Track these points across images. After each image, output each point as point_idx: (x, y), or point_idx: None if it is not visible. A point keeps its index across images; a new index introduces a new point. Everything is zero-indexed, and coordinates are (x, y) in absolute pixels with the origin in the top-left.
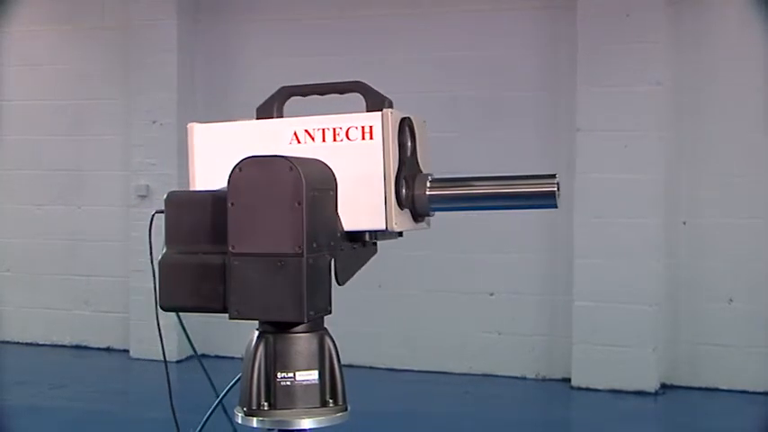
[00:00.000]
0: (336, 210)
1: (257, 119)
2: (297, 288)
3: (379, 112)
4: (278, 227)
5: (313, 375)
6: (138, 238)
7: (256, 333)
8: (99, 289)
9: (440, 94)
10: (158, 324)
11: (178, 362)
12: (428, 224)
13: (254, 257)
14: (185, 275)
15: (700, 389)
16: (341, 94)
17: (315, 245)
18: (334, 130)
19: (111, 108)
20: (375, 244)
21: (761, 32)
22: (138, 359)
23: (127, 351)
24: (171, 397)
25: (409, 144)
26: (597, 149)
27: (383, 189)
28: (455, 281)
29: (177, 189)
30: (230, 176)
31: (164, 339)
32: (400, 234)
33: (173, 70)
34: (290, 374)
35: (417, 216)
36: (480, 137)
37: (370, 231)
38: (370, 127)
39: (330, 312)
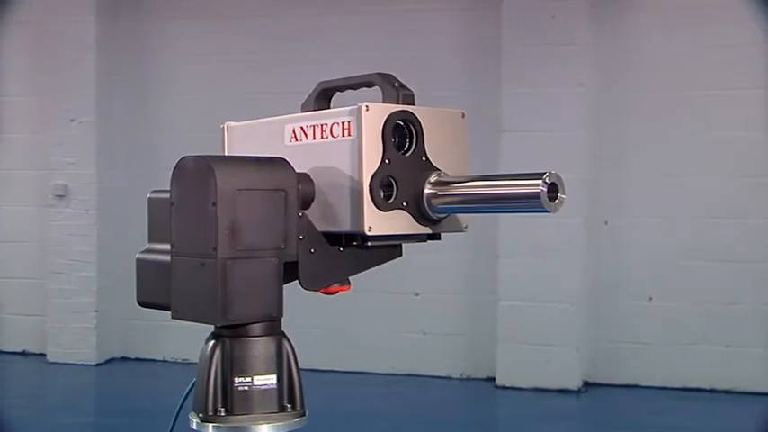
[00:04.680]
0: (295, 210)
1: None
2: (212, 290)
3: (357, 107)
4: (201, 227)
5: (271, 380)
6: (56, 238)
7: (211, 337)
8: (14, 291)
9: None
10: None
11: (97, 365)
12: (445, 227)
13: (185, 258)
14: (155, 273)
15: (621, 386)
16: (369, 87)
17: (240, 246)
18: (322, 126)
19: (26, 105)
20: (398, 247)
21: (683, 34)
22: (55, 363)
23: (43, 355)
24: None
25: (414, 140)
26: (522, 150)
27: (357, 188)
28: (380, 281)
29: (97, 188)
30: (171, 176)
31: (81, 342)
32: (432, 237)
33: (92, 67)
34: (248, 379)
35: (422, 218)
36: None
37: (343, 233)
38: (348, 122)
39: (276, 318)
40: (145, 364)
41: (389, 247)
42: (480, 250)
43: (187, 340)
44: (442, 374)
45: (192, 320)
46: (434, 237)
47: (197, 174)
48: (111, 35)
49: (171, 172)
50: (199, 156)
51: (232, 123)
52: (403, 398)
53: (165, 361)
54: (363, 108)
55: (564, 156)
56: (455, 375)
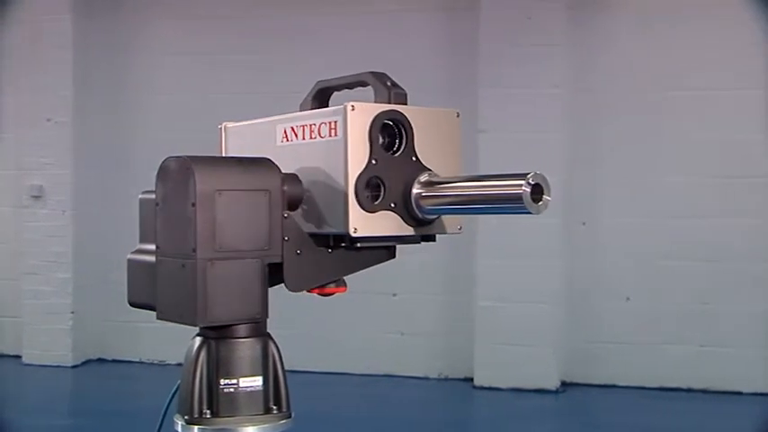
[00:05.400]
0: (279, 211)
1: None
2: (192, 291)
3: (343, 107)
4: (182, 228)
5: (257, 381)
6: (32, 239)
7: (197, 338)
8: None
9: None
10: None
11: (74, 366)
12: (437, 229)
13: (168, 258)
14: (143, 273)
15: (598, 386)
16: (363, 86)
17: (221, 247)
18: (311, 126)
19: (1, 105)
20: (390, 249)
21: (659, 35)
22: (31, 365)
23: (19, 357)
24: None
25: (404, 140)
26: (499, 151)
27: (343, 189)
28: (357, 281)
29: (73, 188)
30: (156, 176)
31: (57, 344)
32: (426, 238)
33: (68, 67)
34: (234, 381)
35: (411, 220)
36: None
37: (331, 235)
38: (335, 122)
39: (260, 320)
40: (121, 365)
41: (381, 249)
42: (458, 251)
43: (164, 342)
44: (420, 375)
45: (175, 321)
46: (429, 238)
47: (178, 174)
48: (88, 34)
49: (147, 172)
50: (180, 156)
51: (229, 124)
52: (380, 398)
53: (142, 362)
54: (349, 108)
55: (541, 156)
56: (433, 376)
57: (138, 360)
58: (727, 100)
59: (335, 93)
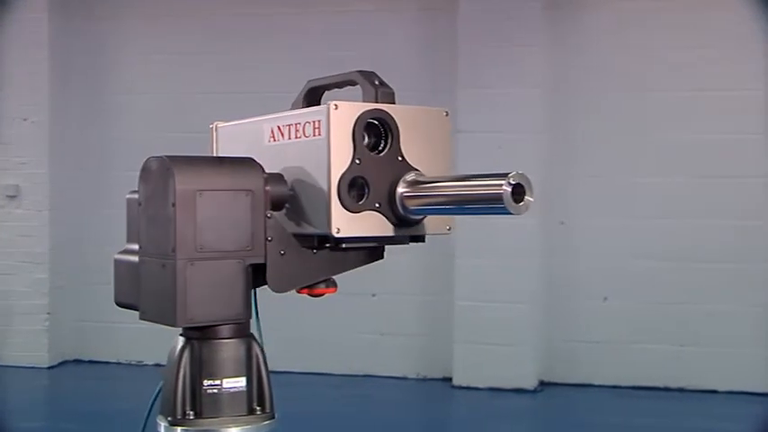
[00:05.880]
0: (262, 211)
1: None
2: (170, 292)
3: (326, 106)
4: (162, 228)
5: (240, 382)
6: (7, 239)
7: (180, 339)
8: None
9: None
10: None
11: (50, 368)
12: (424, 229)
13: (150, 258)
14: (129, 273)
15: (576, 385)
16: (353, 85)
17: (201, 248)
18: (296, 126)
19: None
20: (378, 249)
21: (637, 35)
22: (6, 366)
23: None
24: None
25: (389, 140)
26: (477, 151)
27: (326, 189)
28: (337, 281)
29: (49, 188)
30: (139, 176)
31: (33, 345)
32: (415, 239)
33: (44, 66)
34: (217, 382)
35: (397, 220)
36: None
37: (316, 235)
38: (318, 122)
39: (243, 320)
40: (98, 366)
41: (367, 249)
42: (437, 251)
43: (142, 342)
44: (399, 375)
45: (156, 322)
46: (418, 239)
47: (159, 174)
48: (64, 34)
49: (124, 172)
50: (161, 156)
51: (220, 124)
52: (360, 398)
53: (119, 363)
54: (332, 107)
55: (519, 156)
56: (411, 376)
57: (115, 361)
58: (707, 100)
59: (328, 92)
